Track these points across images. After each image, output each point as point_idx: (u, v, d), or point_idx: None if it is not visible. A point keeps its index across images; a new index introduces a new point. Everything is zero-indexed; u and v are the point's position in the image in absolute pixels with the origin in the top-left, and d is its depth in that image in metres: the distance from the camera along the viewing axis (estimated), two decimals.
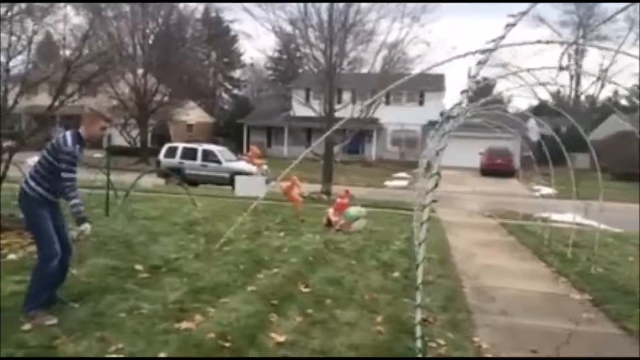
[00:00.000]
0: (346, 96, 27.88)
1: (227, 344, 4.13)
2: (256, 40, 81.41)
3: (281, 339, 4.32)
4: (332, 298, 5.66)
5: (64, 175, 4.31)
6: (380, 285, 6.38)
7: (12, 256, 6.36)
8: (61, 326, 4.21)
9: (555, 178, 11.17)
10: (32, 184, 4.38)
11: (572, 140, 10.51)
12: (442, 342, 4.53)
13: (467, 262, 8.37)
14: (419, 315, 3.22)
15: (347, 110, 19.73)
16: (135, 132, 34.12)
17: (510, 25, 3.11)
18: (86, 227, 4.48)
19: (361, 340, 4.49)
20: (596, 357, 4.61)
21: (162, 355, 3.82)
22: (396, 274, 6.99)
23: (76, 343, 3.94)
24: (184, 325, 4.46)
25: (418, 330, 3.23)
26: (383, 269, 7.31)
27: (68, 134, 4.36)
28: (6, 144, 8.82)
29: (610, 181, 23.68)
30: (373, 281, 6.58)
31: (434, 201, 3.35)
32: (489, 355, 4.40)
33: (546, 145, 11.21)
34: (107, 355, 3.76)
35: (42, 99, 13.32)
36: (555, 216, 12.58)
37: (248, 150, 18.21)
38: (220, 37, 55.44)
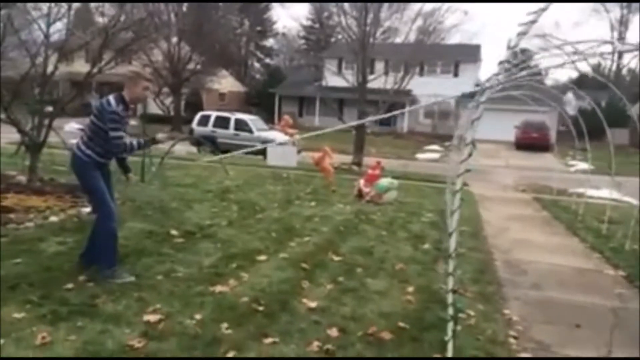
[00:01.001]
0: (379, 66, 27.53)
1: (261, 308, 4.23)
2: (289, 8, 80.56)
3: (313, 304, 4.41)
4: (363, 267, 5.72)
5: (112, 134, 4.42)
6: (410, 256, 6.41)
7: (53, 218, 6.58)
8: (101, 286, 4.37)
9: (592, 153, 10.92)
10: (83, 147, 4.54)
11: (611, 115, 10.20)
12: (472, 313, 4.55)
13: (499, 235, 8.32)
14: (450, 283, 3.24)
15: (379, 81, 19.59)
16: (168, 100, 34.46)
17: None
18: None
19: (391, 308, 4.54)
20: None
21: (197, 316, 3.94)
22: (427, 246, 7.01)
23: (116, 302, 4.09)
24: (219, 288, 4.58)
25: (449, 298, 3.26)
26: (414, 240, 7.33)
27: (111, 96, 4.50)
28: (46, 109, 9.02)
29: None
30: (403, 252, 6.62)
31: (468, 170, 3.33)
32: (519, 328, 4.41)
33: (584, 119, 10.92)
34: (145, 315, 3.89)
35: (78, 66, 13.55)
36: (590, 192, 12.33)
37: (280, 119, 18.23)
38: (253, 5, 55.06)
